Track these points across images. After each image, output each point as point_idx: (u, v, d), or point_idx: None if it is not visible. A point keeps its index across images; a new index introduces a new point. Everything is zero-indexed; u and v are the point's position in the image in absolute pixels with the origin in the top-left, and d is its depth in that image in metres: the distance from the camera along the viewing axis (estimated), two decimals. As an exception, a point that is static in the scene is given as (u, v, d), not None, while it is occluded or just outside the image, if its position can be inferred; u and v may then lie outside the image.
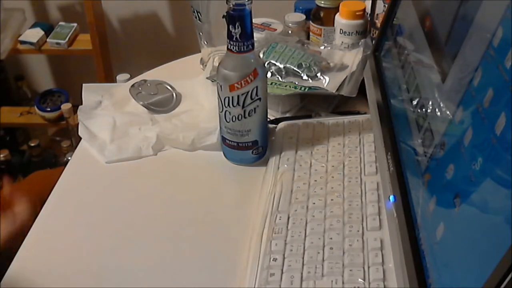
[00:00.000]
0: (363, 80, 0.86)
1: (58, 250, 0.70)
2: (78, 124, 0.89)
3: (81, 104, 0.93)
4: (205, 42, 0.99)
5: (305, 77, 0.93)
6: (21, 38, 1.80)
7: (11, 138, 2.03)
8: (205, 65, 1.00)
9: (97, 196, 0.78)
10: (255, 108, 0.75)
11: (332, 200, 0.70)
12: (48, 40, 1.80)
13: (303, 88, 0.89)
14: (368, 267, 0.60)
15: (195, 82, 0.96)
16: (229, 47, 0.72)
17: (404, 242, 0.55)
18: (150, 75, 1.04)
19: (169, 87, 0.97)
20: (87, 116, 0.90)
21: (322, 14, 1.03)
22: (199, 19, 0.96)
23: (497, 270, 0.38)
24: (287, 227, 0.67)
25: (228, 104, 0.75)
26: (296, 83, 0.91)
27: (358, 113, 0.89)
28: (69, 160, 0.87)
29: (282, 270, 0.61)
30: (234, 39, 0.70)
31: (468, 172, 0.46)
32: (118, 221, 0.73)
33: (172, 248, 0.68)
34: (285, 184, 0.74)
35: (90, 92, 0.95)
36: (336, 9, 1.00)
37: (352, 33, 0.98)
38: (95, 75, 1.85)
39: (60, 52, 1.83)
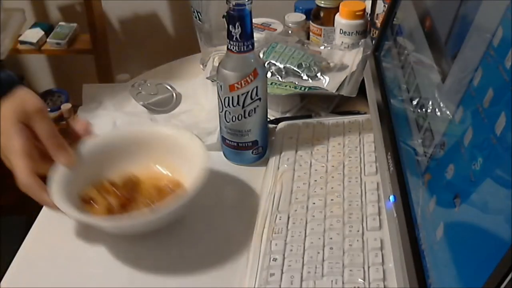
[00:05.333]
0: (363, 80, 0.86)
1: (58, 249, 0.70)
2: (78, 124, 0.89)
3: (81, 104, 0.93)
4: (205, 42, 1.00)
5: (305, 77, 0.93)
6: (21, 38, 1.79)
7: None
8: (205, 65, 1.00)
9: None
10: (255, 108, 0.75)
11: (332, 200, 0.70)
12: (48, 40, 1.80)
13: (303, 88, 0.89)
14: (368, 267, 0.60)
15: (195, 82, 0.96)
16: (229, 47, 0.72)
17: (404, 242, 0.55)
18: (150, 75, 1.04)
19: (169, 87, 0.97)
20: (87, 117, 0.90)
21: (322, 14, 1.03)
22: (199, 19, 0.97)
23: (497, 270, 0.38)
24: (287, 227, 0.67)
25: (228, 104, 0.75)
26: (296, 83, 0.91)
27: (358, 113, 0.89)
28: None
29: (282, 270, 0.61)
30: (234, 39, 0.70)
31: (468, 172, 0.46)
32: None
33: (172, 248, 0.68)
34: (285, 184, 0.74)
35: (90, 92, 0.95)
36: (336, 9, 1.00)
37: (352, 33, 0.98)
38: (95, 75, 1.85)
39: (60, 52, 1.83)
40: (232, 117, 0.76)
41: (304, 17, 1.07)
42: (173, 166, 0.74)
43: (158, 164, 0.75)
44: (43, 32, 1.81)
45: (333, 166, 0.75)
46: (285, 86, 0.90)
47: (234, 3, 0.68)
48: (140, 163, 0.74)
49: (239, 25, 0.69)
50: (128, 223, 0.65)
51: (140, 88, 0.96)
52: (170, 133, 0.76)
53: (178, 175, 0.73)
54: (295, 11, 1.11)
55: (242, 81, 0.73)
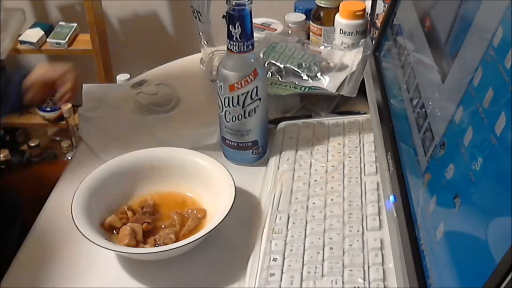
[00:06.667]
0: (363, 80, 0.86)
1: (58, 249, 0.70)
2: (78, 124, 0.89)
3: (81, 104, 0.94)
4: (205, 42, 1.00)
5: (305, 77, 0.93)
6: (21, 38, 1.80)
7: (11, 138, 2.03)
8: (205, 65, 1.00)
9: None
10: (255, 108, 0.75)
11: (332, 200, 0.69)
12: (48, 40, 1.80)
13: (303, 88, 0.89)
14: (368, 267, 0.60)
15: (195, 82, 0.96)
16: (229, 47, 0.72)
17: (404, 242, 0.55)
18: (150, 75, 1.04)
19: (169, 87, 0.97)
20: (87, 116, 0.90)
21: (322, 14, 1.03)
22: (199, 19, 0.97)
23: (497, 270, 0.38)
24: (287, 227, 0.67)
25: (228, 104, 0.75)
26: (296, 83, 0.91)
27: (358, 113, 0.89)
28: (69, 160, 0.87)
29: (282, 270, 0.61)
30: (234, 39, 0.70)
31: (468, 172, 0.46)
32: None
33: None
34: (285, 184, 0.74)
35: (90, 92, 0.96)
36: (336, 9, 1.00)
37: (352, 33, 0.98)
38: (95, 75, 1.85)
39: (60, 52, 1.83)
40: (232, 117, 0.76)
41: (304, 17, 1.07)
42: (195, 190, 0.74)
43: (180, 188, 0.74)
44: (43, 32, 1.81)
45: (333, 166, 0.75)
46: (285, 86, 0.90)
47: (234, 3, 0.68)
48: (161, 187, 0.74)
49: (239, 25, 0.69)
50: (157, 254, 0.65)
51: (140, 88, 0.96)
52: (189, 156, 0.75)
53: (200, 200, 0.73)
54: (295, 11, 1.11)
55: (242, 81, 0.73)
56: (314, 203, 0.69)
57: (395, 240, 0.58)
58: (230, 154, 0.81)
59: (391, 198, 0.61)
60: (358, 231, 0.64)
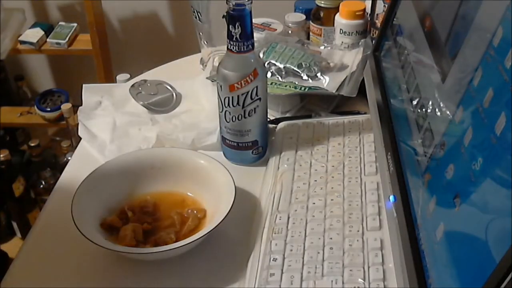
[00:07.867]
0: (363, 80, 0.86)
1: (58, 249, 0.70)
2: (78, 124, 0.89)
3: (81, 104, 0.93)
4: (205, 42, 1.00)
5: (305, 77, 0.93)
6: (21, 38, 1.80)
7: (11, 138, 2.03)
8: (205, 65, 1.00)
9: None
10: (255, 108, 0.75)
11: (332, 200, 0.70)
12: (48, 40, 1.80)
13: (303, 88, 0.89)
14: (368, 267, 0.60)
15: (195, 82, 0.96)
16: (229, 47, 0.72)
17: (404, 242, 0.55)
18: (150, 75, 1.04)
19: (169, 87, 0.97)
20: (87, 117, 0.90)
21: (322, 14, 1.03)
22: (199, 19, 0.97)
23: (497, 270, 0.38)
24: (287, 227, 0.67)
25: (228, 104, 0.75)
26: (296, 83, 0.91)
27: (358, 113, 0.89)
28: (69, 160, 0.87)
29: (282, 270, 0.61)
30: (234, 39, 0.70)
31: (468, 172, 0.46)
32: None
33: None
34: (285, 184, 0.74)
35: (90, 92, 0.95)
36: (336, 9, 1.00)
37: (352, 33, 0.98)
38: (95, 75, 1.85)
39: (60, 52, 1.83)
40: (232, 117, 0.76)
41: (304, 17, 1.07)
42: (195, 190, 0.74)
43: (180, 188, 0.74)
44: (43, 32, 1.81)
45: (333, 166, 0.75)
46: (285, 86, 0.90)
47: (234, 3, 0.68)
48: (161, 187, 0.74)
49: (239, 25, 0.69)
50: (158, 254, 0.65)
51: (140, 88, 0.96)
52: (189, 156, 0.76)
53: (200, 200, 0.73)
54: (295, 11, 1.11)
55: (242, 81, 0.73)
56: (314, 203, 0.69)
57: (395, 240, 0.58)
58: (230, 154, 0.81)
59: (391, 198, 0.61)
60: (358, 231, 0.64)
